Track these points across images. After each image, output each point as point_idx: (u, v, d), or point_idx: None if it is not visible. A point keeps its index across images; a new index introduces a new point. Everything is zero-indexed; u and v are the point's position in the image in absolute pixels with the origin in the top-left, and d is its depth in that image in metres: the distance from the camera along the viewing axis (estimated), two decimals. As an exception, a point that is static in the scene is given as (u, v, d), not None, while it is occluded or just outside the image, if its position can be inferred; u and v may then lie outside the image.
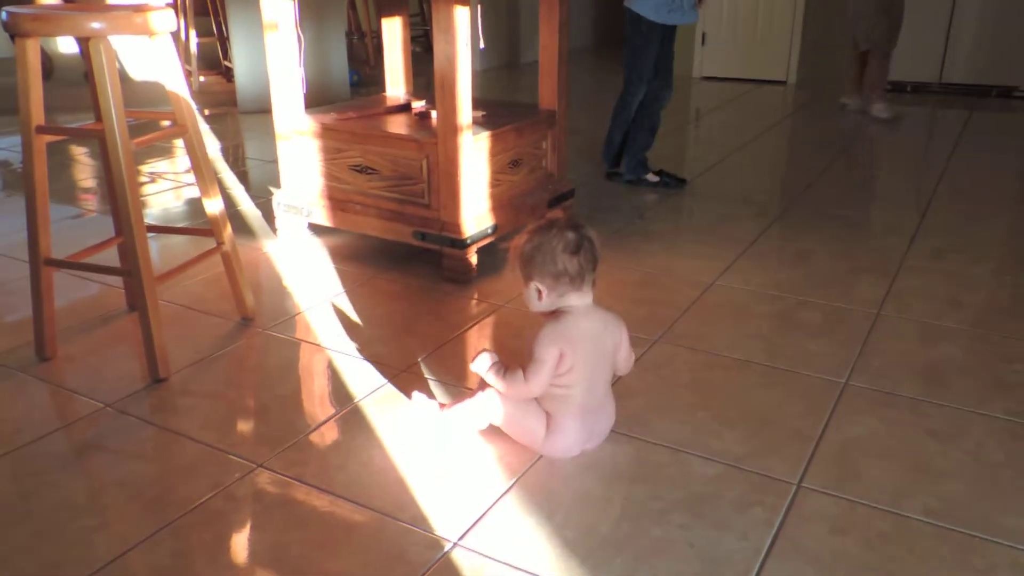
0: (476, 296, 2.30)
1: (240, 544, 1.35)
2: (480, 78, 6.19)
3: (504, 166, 2.50)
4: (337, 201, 2.56)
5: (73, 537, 1.36)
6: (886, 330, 2.08)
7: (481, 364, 1.55)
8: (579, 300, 1.51)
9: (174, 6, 4.82)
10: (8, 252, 2.65)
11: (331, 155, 2.53)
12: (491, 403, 1.57)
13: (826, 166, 3.68)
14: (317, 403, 1.78)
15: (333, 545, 1.34)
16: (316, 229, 2.76)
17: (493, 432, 1.62)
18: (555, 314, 1.52)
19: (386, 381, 1.84)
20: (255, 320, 2.14)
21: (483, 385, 1.59)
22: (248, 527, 1.39)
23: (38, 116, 1.80)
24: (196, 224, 2.92)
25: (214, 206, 2.01)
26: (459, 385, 1.83)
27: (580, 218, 1.55)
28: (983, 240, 2.74)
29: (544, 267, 1.48)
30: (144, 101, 4.94)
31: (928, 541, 1.34)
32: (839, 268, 2.49)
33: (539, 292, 1.51)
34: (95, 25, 1.67)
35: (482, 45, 2.49)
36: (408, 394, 1.75)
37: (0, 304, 2.30)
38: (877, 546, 1.33)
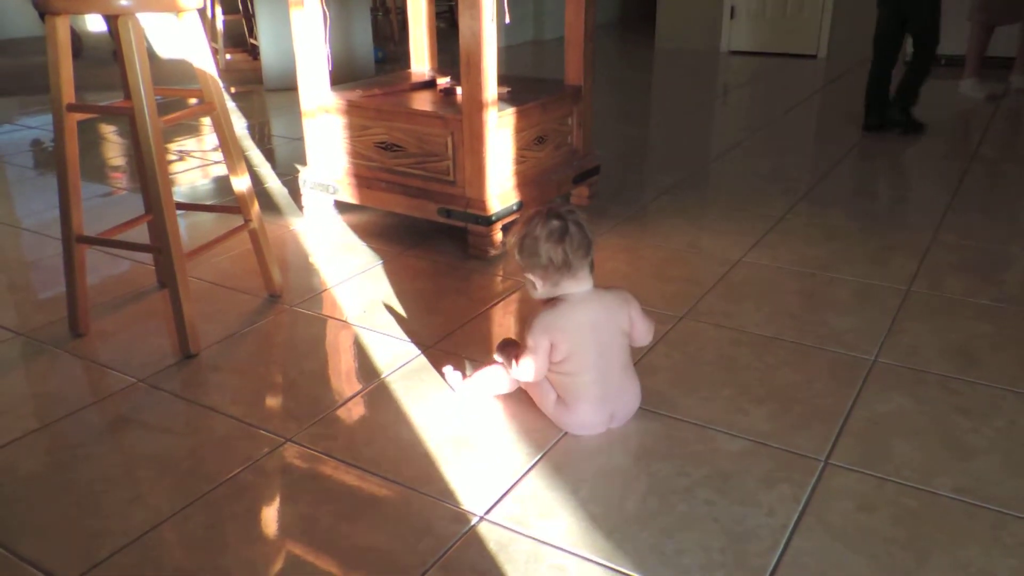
0: (501, 273, 2.31)
1: (270, 517, 1.37)
2: (505, 54, 6.16)
3: (529, 143, 2.49)
4: (363, 178, 2.56)
5: (109, 509, 1.39)
6: (916, 307, 2.05)
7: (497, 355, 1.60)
8: (576, 287, 1.51)
9: (200, -16, 4.83)
10: (41, 230, 2.69)
11: (356, 132, 2.54)
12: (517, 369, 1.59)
13: (856, 142, 3.62)
14: (344, 379, 1.79)
15: (361, 518, 1.35)
16: (342, 206, 2.77)
17: (518, 407, 1.63)
18: (552, 302, 1.52)
19: (412, 357, 1.85)
20: (282, 297, 2.16)
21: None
22: (278, 500, 1.41)
23: (68, 94, 1.81)
24: (224, 202, 2.95)
25: (241, 184, 2.02)
26: (485, 361, 1.83)
27: (569, 204, 1.56)
28: (1016, 216, 2.69)
29: (531, 258, 1.49)
30: (172, 79, 4.98)
31: (958, 518, 1.33)
32: (869, 244, 2.46)
33: (533, 283, 1.52)
34: (123, 3, 1.68)
35: (508, 20, 2.47)
36: (436, 369, 1.77)
37: (34, 281, 2.34)
38: (906, 523, 1.32)
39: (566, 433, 1.57)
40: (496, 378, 1.65)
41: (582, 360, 1.51)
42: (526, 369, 1.52)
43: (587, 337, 1.51)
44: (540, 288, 1.52)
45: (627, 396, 1.59)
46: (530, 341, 1.50)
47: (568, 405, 1.55)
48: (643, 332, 1.59)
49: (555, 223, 1.47)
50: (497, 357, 1.64)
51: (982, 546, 1.27)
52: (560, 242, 1.47)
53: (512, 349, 1.59)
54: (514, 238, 1.54)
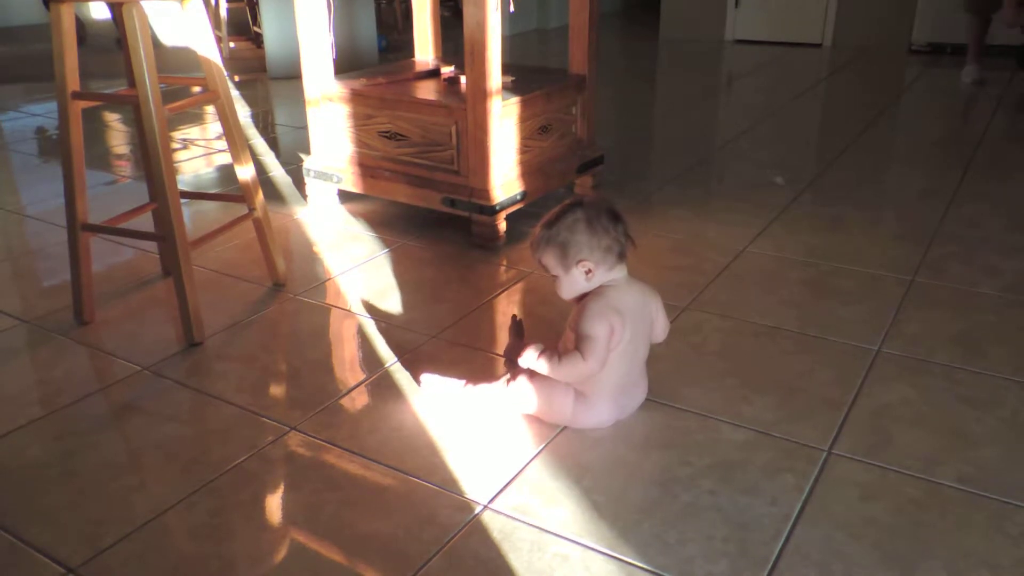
0: (505, 263, 2.31)
1: (275, 505, 1.38)
2: (509, 43, 6.13)
3: (533, 132, 2.48)
4: (367, 167, 2.56)
5: (114, 496, 1.40)
6: (920, 297, 2.05)
7: (530, 356, 1.50)
8: (620, 273, 1.51)
9: (203, -28, 4.81)
10: (46, 218, 2.69)
11: (360, 121, 2.53)
12: (521, 393, 1.56)
13: (862, 131, 3.61)
14: (348, 368, 1.80)
15: (365, 506, 1.36)
16: (346, 195, 2.77)
17: (522, 397, 1.63)
18: (593, 293, 1.49)
19: (416, 346, 1.86)
20: (287, 286, 2.17)
21: (513, 373, 1.58)
22: (282, 488, 1.42)
23: (73, 82, 1.81)
24: (228, 190, 2.95)
25: (245, 172, 2.02)
26: (488, 351, 1.84)
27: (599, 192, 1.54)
28: (1021, 205, 2.68)
29: (594, 241, 1.45)
30: (176, 67, 4.97)
31: (961, 508, 1.33)
32: (873, 234, 2.46)
33: (588, 272, 1.47)
34: (127, -9, 1.68)
35: (512, 9, 2.47)
36: (439, 359, 1.77)
37: (39, 268, 2.34)
38: (909, 512, 1.32)
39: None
40: (504, 401, 1.59)
41: (623, 348, 1.48)
42: (591, 360, 1.44)
43: (633, 322, 1.49)
44: (596, 274, 1.47)
45: (640, 391, 1.59)
46: (591, 330, 1.43)
47: (590, 401, 1.52)
48: (660, 329, 1.58)
49: (605, 206, 1.48)
50: (532, 361, 1.49)
51: (985, 536, 1.27)
52: (619, 222, 1.48)
53: (555, 354, 1.49)
54: (563, 231, 1.47)
